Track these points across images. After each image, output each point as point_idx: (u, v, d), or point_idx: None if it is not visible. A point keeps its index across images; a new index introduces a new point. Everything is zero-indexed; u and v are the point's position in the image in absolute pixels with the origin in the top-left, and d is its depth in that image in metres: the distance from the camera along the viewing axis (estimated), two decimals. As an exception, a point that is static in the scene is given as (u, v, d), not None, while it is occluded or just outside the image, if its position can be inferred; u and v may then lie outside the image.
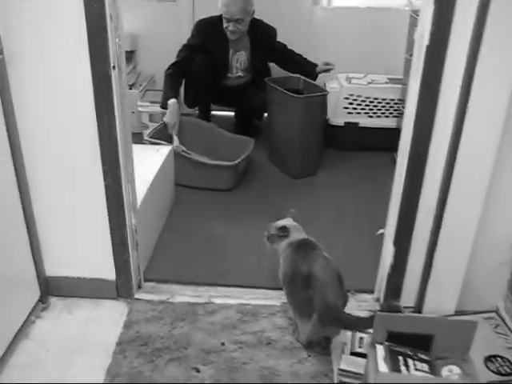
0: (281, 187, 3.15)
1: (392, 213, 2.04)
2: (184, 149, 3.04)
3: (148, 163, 2.52)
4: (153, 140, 2.96)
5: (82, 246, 2.07)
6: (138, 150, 2.72)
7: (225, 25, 3.34)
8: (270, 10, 3.62)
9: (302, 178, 3.22)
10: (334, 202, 2.99)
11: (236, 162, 2.93)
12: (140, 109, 3.53)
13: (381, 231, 2.26)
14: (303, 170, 3.22)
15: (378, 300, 2.19)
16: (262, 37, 3.48)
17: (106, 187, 1.93)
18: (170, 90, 3.27)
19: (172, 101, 3.18)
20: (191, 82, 3.44)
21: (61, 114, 1.83)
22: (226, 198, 2.99)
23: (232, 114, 3.82)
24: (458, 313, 2.08)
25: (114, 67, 1.76)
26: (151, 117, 3.53)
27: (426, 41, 1.65)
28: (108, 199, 1.96)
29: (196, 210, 2.85)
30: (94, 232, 2.04)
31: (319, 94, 3.08)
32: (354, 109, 3.48)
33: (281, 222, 2.10)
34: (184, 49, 3.40)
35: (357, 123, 3.50)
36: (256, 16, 3.42)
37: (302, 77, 3.35)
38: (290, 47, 3.64)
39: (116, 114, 1.81)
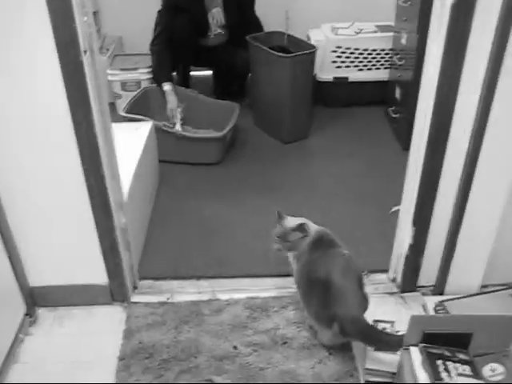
0: (272, 155, 2.92)
1: (409, 190, 1.85)
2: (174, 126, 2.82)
3: (129, 146, 2.27)
4: (130, 116, 2.68)
5: (69, 251, 1.85)
6: (114, 129, 2.50)
7: None
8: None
9: (293, 142, 2.99)
10: (331, 170, 2.78)
11: (222, 133, 2.69)
12: (110, 77, 3.23)
13: (395, 208, 2.08)
14: (294, 133, 3.00)
15: (393, 280, 2.04)
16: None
17: (89, 188, 1.70)
18: (162, 72, 3.05)
19: (167, 88, 2.97)
20: (172, 46, 3.12)
21: (30, 113, 1.56)
22: (216, 172, 2.76)
23: (210, 73, 3.53)
24: (482, 287, 1.95)
25: (85, 52, 1.49)
26: (123, 85, 3.23)
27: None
28: (92, 200, 1.73)
29: (184, 189, 2.62)
30: (81, 236, 1.82)
31: (308, 51, 2.80)
32: (343, 62, 3.22)
33: (292, 221, 1.75)
34: (162, 14, 3.10)
35: (346, 78, 3.25)
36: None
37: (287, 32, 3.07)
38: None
39: (92, 105, 1.56)
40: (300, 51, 2.87)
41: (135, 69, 3.20)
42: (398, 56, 2.96)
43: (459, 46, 1.47)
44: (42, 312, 1.94)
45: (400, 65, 2.93)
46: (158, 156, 2.65)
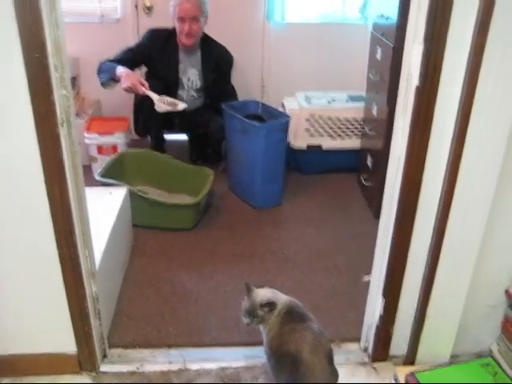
0: (245, 221, 2.94)
1: (379, 260, 1.88)
2: (168, 99, 2.92)
3: (102, 211, 2.28)
4: (104, 180, 2.70)
5: (37, 319, 1.81)
6: (88, 193, 2.51)
7: (179, 28, 3.08)
8: (220, 24, 3.40)
9: (267, 208, 3.03)
10: (303, 238, 2.80)
11: (196, 200, 2.72)
12: (87, 141, 3.26)
13: (367, 278, 2.11)
14: (267, 199, 3.04)
15: (365, 350, 2.04)
16: (215, 55, 3.26)
17: (61, 256, 1.69)
18: (111, 66, 3.00)
19: (119, 67, 2.96)
20: (140, 109, 3.17)
21: (3, 177, 1.57)
22: (189, 237, 2.76)
23: (185, 137, 3.60)
24: (452, 357, 1.96)
25: (62, 123, 1.52)
26: (100, 149, 3.26)
27: (415, 81, 1.50)
28: (64, 269, 1.72)
29: (157, 255, 2.61)
30: (50, 304, 1.79)
31: (282, 120, 2.89)
32: (316, 131, 3.32)
33: (261, 294, 1.74)
34: (126, 51, 3.15)
35: (320, 146, 3.34)
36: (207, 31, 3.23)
37: (261, 100, 3.18)
38: (242, 64, 3.47)
39: (67, 174, 1.57)
40: (274, 119, 2.96)
41: (112, 133, 3.24)
42: (370, 126, 3.07)
43: (424, 125, 1.54)
44: (7, 382, 1.88)
45: (371, 134, 3.03)
46: (132, 220, 2.65)
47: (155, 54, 3.16)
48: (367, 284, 2.03)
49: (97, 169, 3.13)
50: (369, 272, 2.00)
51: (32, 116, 1.48)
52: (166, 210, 2.72)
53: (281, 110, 3.26)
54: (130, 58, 3.12)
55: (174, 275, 2.46)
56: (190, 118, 3.24)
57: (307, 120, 3.28)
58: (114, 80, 2.94)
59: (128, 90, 2.91)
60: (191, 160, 3.52)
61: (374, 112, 2.95)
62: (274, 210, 3.05)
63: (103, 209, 2.31)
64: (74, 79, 3.64)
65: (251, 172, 2.97)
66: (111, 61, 3.05)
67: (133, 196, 2.63)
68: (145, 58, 3.17)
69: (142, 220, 2.74)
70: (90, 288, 1.81)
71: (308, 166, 3.39)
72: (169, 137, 3.60)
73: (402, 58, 1.58)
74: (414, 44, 1.49)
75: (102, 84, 2.99)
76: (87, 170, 3.33)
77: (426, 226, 1.71)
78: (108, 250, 2.08)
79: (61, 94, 1.50)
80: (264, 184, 2.96)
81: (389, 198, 1.77)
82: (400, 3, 2.53)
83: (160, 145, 3.41)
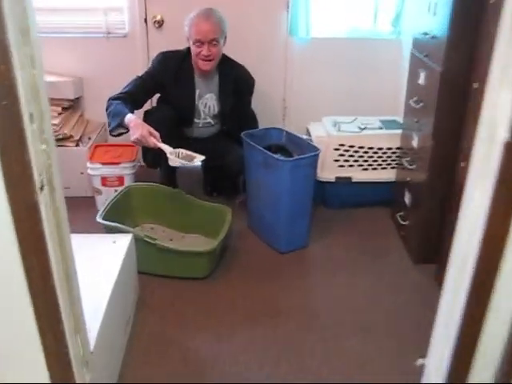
0: (267, 268, 2.57)
1: (440, 342, 1.51)
2: (183, 152, 2.55)
3: (104, 264, 1.96)
4: (105, 223, 2.36)
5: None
6: (89, 242, 2.17)
7: (196, 51, 2.71)
8: (238, 42, 3.04)
9: (291, 251, 2.67)
10: (333, 289, 2.44)
11: (212, 247, 2.36)
12: (90, 172, 2.93)
13: (421, 361, 1.74)
14: (292, 242, 2.67)
15: None
16: (233, 76, 2.90)
17: (45, 346, 1.35)
18: (120, 111, 2.59)
19: (129, 116, 2.55)
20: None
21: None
22: (202, 288, 2.40)
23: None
24: None
25: (41, 188, 1.18)
26: (104, 180, 2.93)
27: (503, 135, 1.13)
28: (48, 360, 1.37)
29: (166, 309, 2.26)
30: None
31: (310, 154, 2.53)
32: (346, 161, 2.96)
33: None
34: (136, 80, 2.79)
35: (349, 178, 2.98)
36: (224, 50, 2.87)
37: (284, 129, 2.82)
38: (263, 84, 3.12)
39: (50, 251, 1.23)
40: (300, 151, 2.61)
41: (117, 164, 2.91)
42: (408, 158, 2.70)
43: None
44: None
45: (410, 167, 2.65)
46: (138, 267, 2.31)
47: (168, 80, 2.80)
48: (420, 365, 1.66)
49: (102, 202, 2.81)
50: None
51: (2, 180, 1.14)
52: (178, 257, 2.37)
53: (305, 137, 2.91)
54: (140, 89, 2.77)
55: (185, 337, 2.11)
56: (205, 147, 2.86)
57: (336, 149, 2.92)
58: (123, 127, 2.58)
59: (137, 142, 2.54)
60: (205, 192, 3.18)
61: (415, 143, 2.58)
62: (300, 253, 2.69)
63: (105, 261, 1.98)
64: (77, 100, 3.33)
65: (274, 211, 2.62)
66: (121, 95, 2.69)
67: (139, 241, 2.29)
68: (157, 86, 2.83)
69: (149, 267, 2.40)
70: (83, 377, 1.47)
71: (336, 199, 3.04)
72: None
73: (451, 84, 1.21)
74: (503, 89, 1.13)
75: (111, 131, 2.63)
76: (91, 203, 3.01)
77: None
78: (109, 316, 1.75)
79: (39, 150, 1.16)
80: (289, 225, 2.61)
81: (459, 268, 1.40)
82: (450, 19, 2.17)
83: (171, 177, 3.05)
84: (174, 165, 2.52)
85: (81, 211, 2.77)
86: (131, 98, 2.70)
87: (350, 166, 2.97)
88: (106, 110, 2.64)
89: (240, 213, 2.90)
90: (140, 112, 2.81)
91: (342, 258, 2.66)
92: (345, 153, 2.93)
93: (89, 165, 2.92)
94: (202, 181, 3.23)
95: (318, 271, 2.59)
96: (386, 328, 2.19)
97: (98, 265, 1.97)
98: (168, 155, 2.49)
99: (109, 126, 2.61)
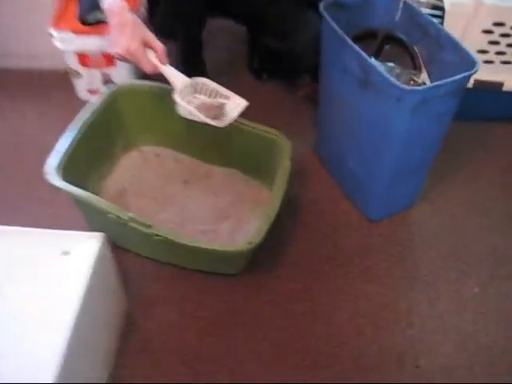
0: (345, 252, 1.50)
1: None
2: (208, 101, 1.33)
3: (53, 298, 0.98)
4: (67, 190, 1.28)
5: None
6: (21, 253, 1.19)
7: None
8: None
9: (386, 217, 1.59)
10: (465, 286, 1.41)
11: (253, 244, 1.26)
12: (58, 44, 1.72)
13: None
14: (392, 205, 1.57)
15: None
16: None
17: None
18: None
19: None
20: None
21: None
22: (228, 296, 1.40)
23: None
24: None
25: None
26: (83, 59, 1.76)
27: None
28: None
29: (166, 351, 1.29)
30: None
31: (456, 77, 1.25)
32: (500, 54, 1.67)
33: None
34: None
35: (500, 84, 1.72)
36: None
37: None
38: None
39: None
40: (427, 41, 1.36)
41: (100, 33, 1.68)
42: None
43: None
44: None
45: None
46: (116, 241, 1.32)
47: None
48: None
49: (83, 88, 1.75)
50: None
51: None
52: (195, 252, 1.34)
53: (428, 11, 1.60)
54: None
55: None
56: (254, 15, 1.61)
57: (486, 32, 1.62)
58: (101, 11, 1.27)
59: (120, 59, 1.28)
60: (250, 70, 2.01)
61: None
62: (399, 220, 1.59)
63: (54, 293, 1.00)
64: None
65: (370, 163, 1.46)
66: None
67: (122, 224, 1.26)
68: None
69: (144, 251, 1.41)
70: None
71: (470, 111, 1.80)
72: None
73: None
74: None
75: (82, 16, 1.33)
76: (67, 88, 1.90)
77: None
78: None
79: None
80: (392, 186, 1.49)
81: None
82: None
83: (196, 53, 1.80)
84: (186, 116, 1.34)
85: (55, 95, 1.83)
86: None
87: (505, 62, 1.69)
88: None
89: (301, 114, 1.79)
90: None
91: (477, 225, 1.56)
92: (501, 39, 1.63)
93: (53, 33, 1.72)
94: (244, 53, 2.03)
95: (427, 264, 1.49)
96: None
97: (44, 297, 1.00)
98: (176, 98, 1.30)
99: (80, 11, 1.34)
